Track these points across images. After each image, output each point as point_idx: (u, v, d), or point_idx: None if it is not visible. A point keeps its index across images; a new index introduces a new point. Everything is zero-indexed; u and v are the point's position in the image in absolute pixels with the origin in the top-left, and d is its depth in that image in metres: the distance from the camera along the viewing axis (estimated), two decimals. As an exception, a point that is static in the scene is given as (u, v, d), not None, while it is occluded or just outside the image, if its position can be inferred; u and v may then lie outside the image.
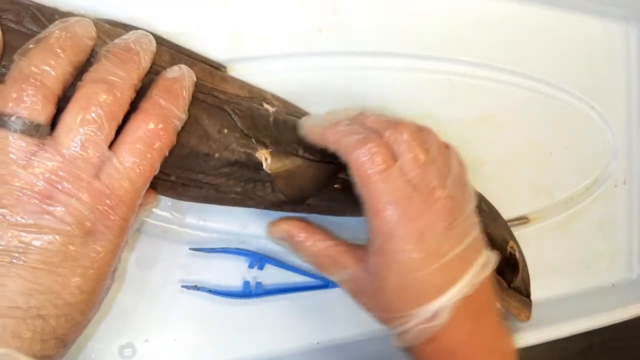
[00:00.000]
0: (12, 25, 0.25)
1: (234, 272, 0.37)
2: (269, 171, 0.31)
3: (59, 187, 0.23)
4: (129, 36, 0.26)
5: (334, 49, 0.38)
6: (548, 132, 0.48)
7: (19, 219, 0.22)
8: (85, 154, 0.23)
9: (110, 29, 0.28)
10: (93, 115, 0.23)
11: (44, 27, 0.25)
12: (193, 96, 0.28)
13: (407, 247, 0.28)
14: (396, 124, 0.30)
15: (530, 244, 0.46)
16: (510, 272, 0.42)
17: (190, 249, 0.36)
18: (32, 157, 0.22)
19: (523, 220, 0.47)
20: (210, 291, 0.36)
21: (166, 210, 0.35)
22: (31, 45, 0.23)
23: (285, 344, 0.39)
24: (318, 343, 0.40)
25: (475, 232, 0.31)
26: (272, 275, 0.38)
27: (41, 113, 0.22)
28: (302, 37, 0.37)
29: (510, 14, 0.45)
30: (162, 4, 0.33)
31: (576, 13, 0.48)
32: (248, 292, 0.37)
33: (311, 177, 0.32)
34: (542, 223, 0.49)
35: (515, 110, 0.46)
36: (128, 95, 0.25)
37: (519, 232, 0.46)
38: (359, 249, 0.32)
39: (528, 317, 0.42)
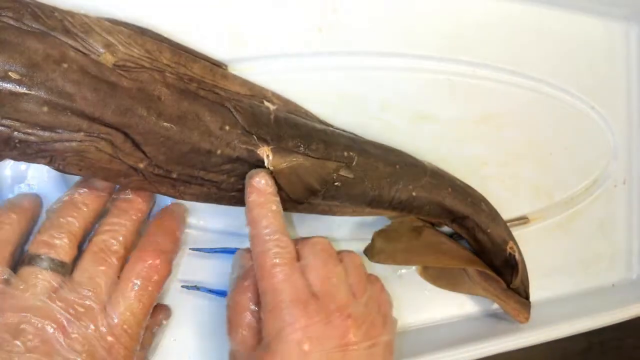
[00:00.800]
0: (12, 22, 0.25)
1: (234, 272, 0.37)
2: (271, 168, 0.31)
3: (74, 321, 0.26)
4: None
5: (334, 49, 0.38)
6: (548, 132, 0.48)
7: (38, 347, 0.25)
8: (96, 291, 0.27)
9: (111, 27, 0.28)
10: (104, 259, 0.28)
11: (44, 24, 0.25)
12: (194, 93, 0.30)
13: (289, 354, 0.27)
14: (310, 239, 0.32)
15: (530, 244, 0.46)
16: (510, 273, 0.42)
17: (190, 249, 0.36)
18: (55, 292, 0.26)
19: (523, 220, 0.47)
20: (210, 291, 0.36)
21: (166, 210, 0.35)
22: (57, 205, 0.29)
23: (285, 344, 0.39)
24: (318, 343, 0.40)
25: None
26: (272, 275, 0.38)
27: (64, 254, 0.27)
28: (302, 36, 0.37)
29: (510, 14, 0.45)
30: (162, 3, 0.33)
31: (576, 13, 0.48)
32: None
33: (313, 174, 0.33)
34: (542, 223, 0.49)
35: (515, 110, 0.46)
36: (130, 239, 0.29)
37: (519, 232, 0.46)
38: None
39: (527, 319, 0.43)
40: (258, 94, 0.34)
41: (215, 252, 0.36)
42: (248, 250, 0.32)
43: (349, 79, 0.39)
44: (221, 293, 0.36)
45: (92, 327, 0.27)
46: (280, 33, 0.36)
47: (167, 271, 0.30)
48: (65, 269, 0.27)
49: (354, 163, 0.34)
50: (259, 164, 0.31)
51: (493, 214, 0.42)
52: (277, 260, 0.29)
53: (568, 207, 0.50)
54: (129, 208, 0.30)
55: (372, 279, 0.34)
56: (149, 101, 0.27)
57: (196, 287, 0.36)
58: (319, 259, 0.30)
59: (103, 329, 0.27)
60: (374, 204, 0.36)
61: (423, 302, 0.44)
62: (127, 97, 0.27)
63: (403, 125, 0.41)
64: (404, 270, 0.43)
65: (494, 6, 0.44)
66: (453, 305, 0.45)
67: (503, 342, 0.41)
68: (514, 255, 0.42)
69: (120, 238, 0.29)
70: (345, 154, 0.34)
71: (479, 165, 0.45)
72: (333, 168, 0.33)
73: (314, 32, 0.37)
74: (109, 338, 0.27)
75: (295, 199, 0.33)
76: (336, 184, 0.34)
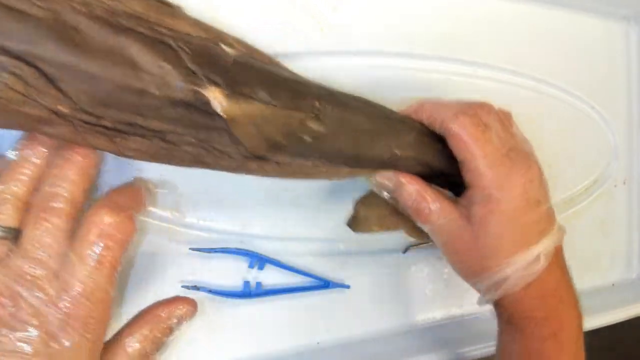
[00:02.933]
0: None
1: (234, 272, 0.37)
2: (223, 114, 0.27)
3: (23, 289, 0.24)
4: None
5: (335, 48, 0.38)
6: (548, 132, 0.48)
7: None
8: (45, 256, 0.25)
9: None
10: (46, 219, 0.25)
11: None
12: (128, 28, 0.26)
13: (512, 197, 0.31)
14: (481, 103, 0.34)
15: (530, 244, 0.46)
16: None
17: (190, 249, 0.36)
18: (1, 260, 0.25)
19: (523, 220, 0.47)
20: (210, 291, 0.36)
21: (166, 210, 0.35)
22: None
23: (285, 344, 0.39)
24: (318, 343, 0.40)
25: (550, 200, 0.34)
26: (272, 275, 0.38)
27: (9, 219, 0.25)
28: (302, 36, 0.37)
29: (510, 14, 0.45)
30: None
31: (576, 13, 0.48)
32: (248, 292, 0.37)
33: (276, 125, 0.29)
34: (542, 223, 0.48)
35: (515, 110, 0.46)
36: (78, 197, 0.26)
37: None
38: (453, 199, 0.34)
39: None
40: (215, 36, 0.29)
41: (215, 252, 0.36)
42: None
43: (349, 79, 0.39)
44: (221, 293, 0.36)
45: (42, 295, 0.24)
46: (280, 32, 0.36)
47: (130, 229, 0.27)
48: (12, 235, 0.25)
49: (327, 115, 0.30)
50: (209, 109, 0.27)
51: None
52: (475, 128, 0.32)
53: (568, 207, 0.50)
54: (69, 162, 0.27)
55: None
56: (64, 31, 0.24)
57: (196, 287, 0.36)
58: (501, 123, 0.34)
59: (56, 297, 0.25)
60: (352, 163, 0.32)
61: (423, 302, 0.44)
62: (38, 26, 0.24)
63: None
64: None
65: (494, 6, 0.44)
66: (453, 305, 0.45)
67: (503, 342, 0.41)
68: None
69: (65, 194, 0.26)
70: (317, 104, 0.30)
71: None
72: (300, 119, 0.29)
73: (315, 31, 0.37)
74: (64, 306, 0.25)
75: (257, 154, 0.29)
76: (305, 138, 0.30)
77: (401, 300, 0.43)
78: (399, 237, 0.41)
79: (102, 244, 0.26)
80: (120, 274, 0.34)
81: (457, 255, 0.34)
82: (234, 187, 0.36)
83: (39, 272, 0.25)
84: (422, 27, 0.41)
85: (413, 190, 0.33)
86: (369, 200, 0.37)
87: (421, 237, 0.40)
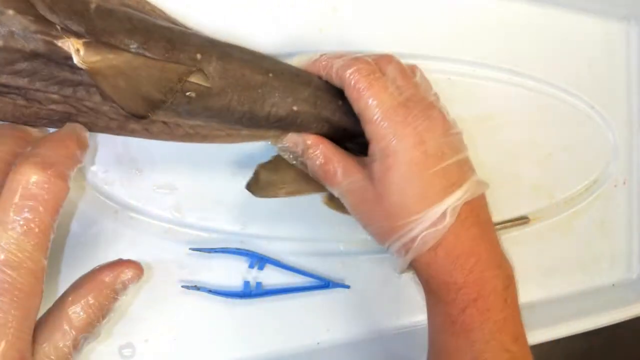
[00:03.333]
0: None
1: (234, 272, 0.37)
2: (81, 65, 0.24)
3: None
4: None
5: (335, 49, 0.38)
6: (548, 132, 0.48)
7: None
8: None
9: None
10: None
11: None
12: None
13: (408, 147, 0.30)
14: (382, 54, 0.33)
15: (530, 244, 0.46)
16: None
17: (190, 249, 0.36)
18: None
19: (523, 220, 0.47)
20: (210, 291, 0.36)
21: (166, 210, 0.35)
22: None
23: (285, 344, 0.39)
24: (318, 343, 0.40)
25: (466, 151, 0.33)
26: (272, 275, 0.38)
27: None
28: (302, 36, 0.37)
29: (510, 14, 0.45)
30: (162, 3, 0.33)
31: (576, 13, 0.48)
32: (248, 292, 0.37)
33: (151, 79, 0.26)
34: (542, 223, 0.49)
35: (515, 110, 0.46)
36: (6, 161, 0.23)
37: (519, 232, 0.46)
38: (361, 159, 0.32)
39: None
40: None
41: (216, 252, 0.36)
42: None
43: (349, 79, 0.39)
44: (221, 293, 0.36)
45: None
46: (281, 33, 0.36)
47: (61, 188, 0.23)
48: None
49: (211, 68, 0.28)
50: (71, 63, 0.24)
51: None
52: (370, 76, 0.30)
53: (568, 207, 0.50)
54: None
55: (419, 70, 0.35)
56: None
57: (196, 287, 0.36)
58: (399, 70, 0.32)
59: None
60: (246, 122, 0.30)
61: (423, 302, 0.44)
62: None
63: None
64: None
65: (494, 6, 0.44)
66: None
67: (503, 342, 0.41)
68: None
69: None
70: (199, 56, 0.27)
71: (478, 165, 0.45)
72: (180, 72, 0.26)
73: (315, 32, 0.37)
74: None
75: (132, 111, 0.26)
76: (188, 94, 0.27)
77: (401, 300, 0.43)
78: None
79: (27, 207, 0.22)
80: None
81: (366, 218, 0.32)
82: (233, 187, 0.36)
83: None
84: (422, 27, 0.41)
85: (319, 152, 0.32)
86: (273, 164, 0.35)
87: (335, 205, 0.38)
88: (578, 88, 0.49)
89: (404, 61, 0.41)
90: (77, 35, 0.24)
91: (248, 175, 0.34)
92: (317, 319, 0.40)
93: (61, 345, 0.24)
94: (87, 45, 0.24)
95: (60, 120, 0.26)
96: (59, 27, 0.24)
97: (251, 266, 0.37)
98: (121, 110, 0.26)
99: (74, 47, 0.24)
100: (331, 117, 0.33)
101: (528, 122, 0.47)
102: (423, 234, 0.30)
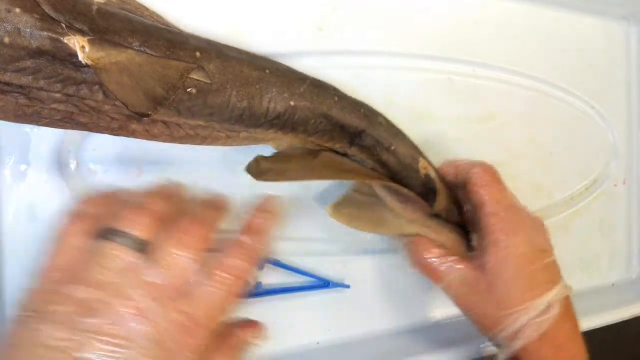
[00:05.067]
0: None
1: (234, 272, 0.37)
2: (87, 62, 0.24)
3: (148, 302, 0.24)
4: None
5: (335, 48, 0.38)
6: (548, 132, 0.48)
7: (108, 328, 0.23)
8: (176, 273, 0.25)
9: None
10: (188, 245, 0.25)
11: None
12: None
13: (520, 243, 0.34)
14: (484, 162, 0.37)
15: (530, 244, 0.45)
16: (429, 200, 0.37)
17: (190, 248, 0.36)
18: (131, 270, 0.24)
19: (523, 220, 0.47)
20: (210, 291, 0.36)
21: (166, 210, 0.35)
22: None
23: (285, 344, 0.39)
24: (318, 343, 0.40)
25: (554, 254, 0.36)
26: (272, 275, 0.38)
27: (144, 231, 0.25)
28: (302, 36, 0.37)
29: (510, 14, 0.45)
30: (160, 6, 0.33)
31: (576, 13, 0.48)
32: (248, 292, 0.37)
33: (154, 75, 0.26)
34: (542, 223, 0.49)
35: (515, 110, 0.46)
36: (213, 234, 0.27)
37: (519, 232, 0.46)
38: (468, 255, 0.36)
39: (466, 252, 0.38)
40: None
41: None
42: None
43: (349, 79, 0.39)
44: (221, 293, 0.36)
45: (168, 314, 0.24)
46: (280, 32, 0.36)
47: (251, 270, 0.28)
48: (145, 248, 0.25)
49: (211, 65, 0.28)
50: (75, 61, 0.24)
51: (394, 129, 0.37)
52: (494, 175, 0.36)
53: (568, 207, 0.50)
54: (216, 206, 0.29)
55: None
56: None
57: (196, 287, 0.36)
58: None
59: (177, 318, 0.24)
60: (247, 119, 0.30)
61: (423, 302, 0.44)
62: None
63: (403, 125, 0.41)
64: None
65: (494, 6, 0.44)
66: (453, 305, 0.45)
67: (503, 342, 0.41)
68: (430, 175, 0.36)
69: (207, 230, 0.27)
70: (198, 54, 0.28)
71: (479, 165, 0.45)
72: (181, 69, 0.27)
73: (315, 31, 0.37)
74: (184, 329, 0.24)
75: (135, 109, 0.26)
76: (189, 90, 0.28)
77: (401, 300, 0.43)
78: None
79: (226, 280, 0.26)
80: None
81: (474, 307, 0.35)
82: (234, 187, 0.36)
83: (167, 289, 0.24)
84: (422, 27, 0.41)
85: (428, 254, 0.35)
86: (275, 156, 0.34)
87: (341, 216, 0.37)
88: (578, 88, 0.49)
89: (404, 61, 0.41)
90: (82, 33, 0.24)
91: (248, 175, 0.34)
92: (317, 319, 0.40)
93: None
94: (92, 42, 0.24)
95: (62, 120, 0.26)
96: (64, 25, 0.24)
97: (251, 266, 0.37)
98: (123, 111, 0.26)
99: (79, 44, 0.24)
100: (328, 112, 0.33)
101: (528, 122, 0.47)
102: (533, 323, 0.33)
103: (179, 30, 0.30)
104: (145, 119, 0.28)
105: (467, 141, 0.44)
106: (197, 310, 0.25)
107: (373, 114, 0.35)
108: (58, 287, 0.24)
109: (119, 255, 0.24)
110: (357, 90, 0.39)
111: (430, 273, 0.36)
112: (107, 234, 0.25)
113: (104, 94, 0.26)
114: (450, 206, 0.38)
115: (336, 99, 0.33)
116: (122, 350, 0.23)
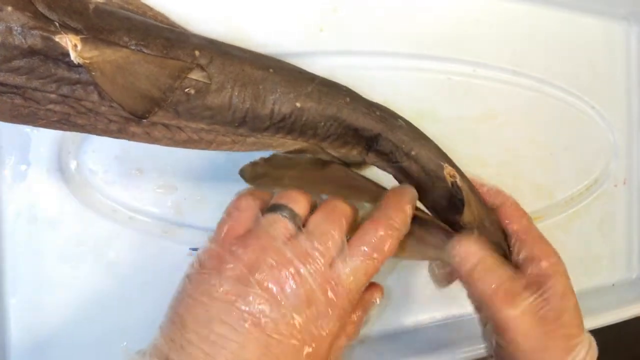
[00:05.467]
0: None
1: (234, 272, 0.37)
2: (79, 61, 0.24)
3: (303, 266, 0.27)
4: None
5: (335, 48, 0.38)
6: (548, 131, 0.48)
7: (269, 285, 0.26)
8: (326, 245, 0.28)
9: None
10: (336, 218, 0.29)
11: None
12: None
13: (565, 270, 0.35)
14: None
15: (530, 244, 0.45)
16: (456, 212, 0.33)
17: (191, 249, 0.36)
18: (291, 239, 0.28)
19: (523, 220, 0.47)
20: (211, 291, 0.36)
21: (166, 210, 0.35)
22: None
23: (285, 344, 0.39)
24: (318, 343, 0.40)
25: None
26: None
27: (302, 209, 0.29)
28: (303, 36, 0.37)
29: (510, 14, 0.45)
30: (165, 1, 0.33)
31: (576, 13, 0.48)
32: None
33: (150, 75, 0.25)
34: (542, 223, 0.49)
35: (515, 110, 0.46)
36: (356, 209, 0.31)
37: (519, 232, 0.46)
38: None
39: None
40: None
41: (216, 252, 0.36)
42: None
43: (350, 79, 0.38)
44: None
45: (318, 279, 0.27)
46: (281, 32, 0.36)
47: (394, 248, 0.30)
48: (300, 222, 0.29)
49: (210, 64, 0.27)
50: (69, 61, 0.24)
51: (415, 133, 0.34)
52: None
53: (568, 207, 0.50)
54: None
55: None
56: None
57: (196, 287, 0.36)
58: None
59: (325, 284, 0.27)
60: (250, 122, 0.29)
61: (423, 302, 0.44)
62: None
63: (403, 125, 0.41)
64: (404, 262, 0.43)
65: (494, 6, 0.44)
66: (453, 305, 0.45)
67: (503, 342, 0.41)
68: (456, 182, 0.33)
69: (350, 211, 0.30)
70: (197, 53, 0.27)
71: (479, 165, 0.45)
72: (178, 68, 0.26)
73: (315, 31, 0.37)
74: (330, 294, 0.27)
75: (131, 110, 0.26)
76: (187, 90, 0.27)
77: (401, 300, 0.43)
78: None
79: (370, 252, 0.29)
80: (117, 271, 0.34)
81: (539, 338, 0.32)
82: (234, 187, 0.36)
83: (319, 256, 0.27)
84: (422, 27, 0.41)
85: (495, 278, 0.33)
86: (278, 160, 0.33)
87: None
88: (578, 88, 0.49)
89: (404, 61, 0.42)
90: (76, 31, 0.24)
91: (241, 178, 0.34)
92: (317, 319, 0.40)
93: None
94: (84, 41, 0.24)
95: (59, 122, 0.26)
96: (57, 24, 0.24)
97: (251, 266, 0.37)
98: (121, 112, 0.26)
99: (71, 43, 0.24)
100: (338, 114, 0.31)
101: (528, 122, 0.47)
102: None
103: (181, 29, 0.30)
104: (144, 121, 0.27)
105: (467, 141, 0.44)
106: (342, 279, 0.28)
107: (391, 116, 0.33)
108: (233, 248, 0.27)
109: (283, 225, 0.28)
110: (357, 90, 0.39)
111: (497, 301, 0.32)
112: (274, 207, 0.29)
113: (99, 94, 0.25)
114: (482, 217, 0.34)
115: (347, 99, 0.32)
116: (277, 305, 0.26)
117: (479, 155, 0.45)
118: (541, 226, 0.48)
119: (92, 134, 0.27)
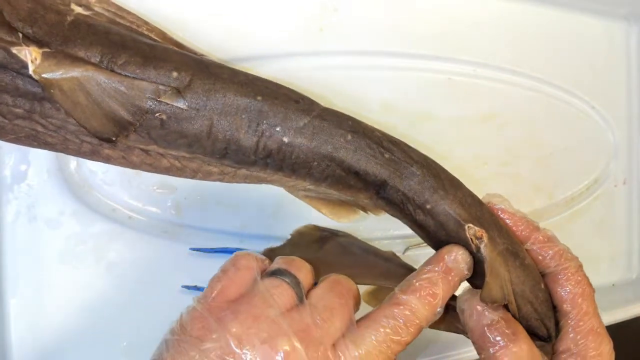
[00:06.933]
0: None
1: (234, 272, 0.37)
2: (34, 75, 0.22)
3: (300, 344, 0.24)
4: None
5: (335, 48, 0.38)
6: (548, 131, 0.48)
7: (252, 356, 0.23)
8: (332, 321, 0.25)
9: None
10: (341, 292, 0.26)
11: None
12: None
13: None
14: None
15: (530, 244, 0.45)
16: (482, 281, 0.28)
17: (190, 249, 0.36)
18: (291, 310, 0.25)
19: (523, 220, 0.47)
20: (210, 291, 0.36)
21: (166, 210, 0.35)
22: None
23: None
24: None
25: None
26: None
27: (305, 279, 0.26)
28: (303, 36, 0.37)
29: (510, 14, 0.45)
30: (167, 1, 0.33)
31: (576, 13, 0.48)
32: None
33: (116, 96, 0.23)
34: (542, 223, 0.48)
35: (515, 110, 0.46)
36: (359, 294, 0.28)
37: (519, 232, 0.46)
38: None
39: None
40: None
41: (216, 252, 0.36)
42: None
43: (350, 79, 0.39)
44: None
45: (311, 356, 0.24)
46: (281, 33, 0.36)
47: (414, 337, 0.27)
48: (303, 291, 0.26)
49: (188, 88, 0.25)
50: (27, 72, 0.22)
51: (435, 179, 0.28)
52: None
53: (568, 207, 0.50)
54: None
55: None
56: None
57: (196, 288, 0.36)
58: None
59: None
60: (233, 155, 0.26)
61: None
62: None
63: (403, 125, 0.41)
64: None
65: (494, 6, 0.44)
66: (453, 305, 0.45)
67: (503, 342, 0.41)
68: (480, 248, 0.28)
69: (354, 285, 0.27)
70: (175, 74, 0.24)
71: (479, 165, 0.45)
72: (150, 90, 0.24)
73: (315, 31, 0.37)
74: None
75: (96, 133, 0.24)
76: (158, 115, 0.24)
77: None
78: (399, 237, 0.41)
79: (387, 336, 0.26)
80: (118, 272, 0.34)
81: None
82: (233, 186, 0.36)
83: (321, 334, 0.24)
84: (422, 27, 0.41)
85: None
86: (279, 249, 0.33)
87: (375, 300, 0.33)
88: (578, 88, 0.49)
89: (404, 61, 0.41)
90: (40, 44, 0.22)
91: None
92: (317, 319, 0.40)
93: None
94: (45, 55, 0.22)
95: (27, 138, 0.24)
96: (20, 35, 0.22)
97: (251, 266, 0.37)
98: (76, 130, 0.24)
99: (31, 56, 0.22)
100: (334, 154, 0.27)
101: (528, 122, 0.47)
102: None
103: (165, 45, 0.27)
104: (118, 144, 0.25)
105: (467, 141, 0.44)
106: (344, 356, 0.25)
107: (403, 160, 0.28)
108: (222, 314, 0.24)
109: (284, 292, 0.25)
110: (357, 90, 0.39)
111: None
112: (276, 272, 0.26)
113: (66, 112, 0.23)
114: (521, 290, 0.29)
115: (349, 137, 0.27)
116: None
117: (479, 156, 0.45)
118: (541, 226, 0.48)
119: (65, 153, 0.26)
